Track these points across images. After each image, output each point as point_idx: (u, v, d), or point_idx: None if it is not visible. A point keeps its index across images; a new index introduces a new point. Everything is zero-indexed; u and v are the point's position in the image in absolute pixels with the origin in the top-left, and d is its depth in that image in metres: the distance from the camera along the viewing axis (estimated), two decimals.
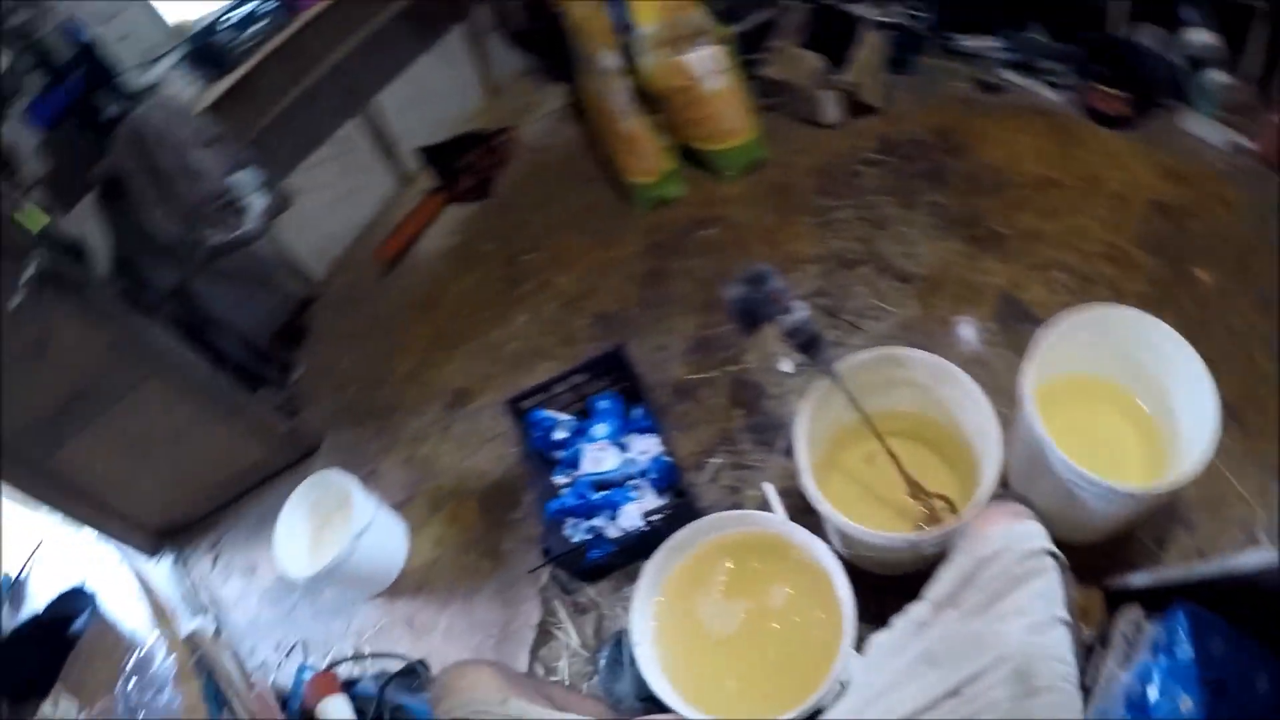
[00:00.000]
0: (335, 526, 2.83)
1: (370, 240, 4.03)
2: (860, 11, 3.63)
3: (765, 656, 1.85)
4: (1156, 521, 2.16)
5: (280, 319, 3.75)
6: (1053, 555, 1.36)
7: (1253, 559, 1.44)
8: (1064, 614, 1.29)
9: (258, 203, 3.04)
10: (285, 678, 2.57)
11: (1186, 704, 1.47)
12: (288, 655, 2.76)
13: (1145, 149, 3.12)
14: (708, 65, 3.22)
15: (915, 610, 1.45)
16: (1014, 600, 1.30)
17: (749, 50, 3.61)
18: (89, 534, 2.66)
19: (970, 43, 3.65)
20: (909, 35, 3.67)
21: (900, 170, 3.32)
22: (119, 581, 2.05)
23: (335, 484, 2.71)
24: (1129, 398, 2.15)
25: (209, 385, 2.95)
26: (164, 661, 1.65)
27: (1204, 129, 3.11)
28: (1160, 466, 2.00)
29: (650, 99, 3.36)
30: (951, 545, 1.55)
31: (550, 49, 4.13)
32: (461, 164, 3.96)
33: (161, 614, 1.85)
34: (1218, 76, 3.05)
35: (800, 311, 1.97)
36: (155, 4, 3.18)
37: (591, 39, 3.15)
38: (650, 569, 1.94)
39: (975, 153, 3.30)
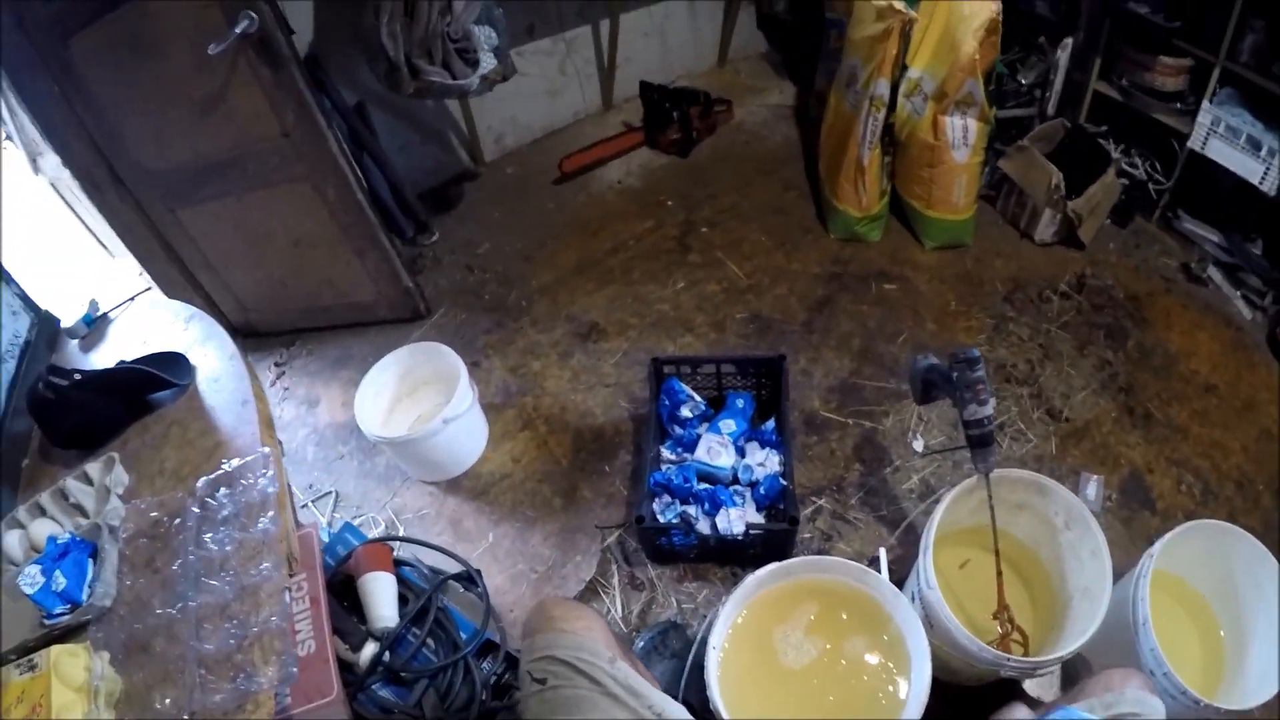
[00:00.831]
0: (420, 399, 2.77)
1: (551, 145, 3.97)
2: (1111, 149, 3.57)
3: (824, 700, 1.78)
4: None
5: (436, 180, 3.68)
6: None
7: None
8: None
9: (487, 62, 2.97)
10: (304, 518, 2.51)
11: None
12: (316, 500, 2.70)
13: None
14: (963, 135, 3.13)
15: None
16: None
17: (998, 138, 3.54)
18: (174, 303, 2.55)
19: (1192, 227, 3.55)
20: (1140, 194, 3.60)
21: (1085, 314, 3.25)
22: (219, 368, 1.91)
23: (440, 360, 2.63)
24: (1208, 608, 2.17)
25: (355, 209, 2.86)
26: (264, 479, 1.52)
27: None
28: (1216, 680, 2.03)
29: (892, 140, 3.28)
30: (1076, 687, 1.55)
31: (795, 46, 4.05)
32: (674, 115, 3.86)
33: (269, 423, 1.73)
34: None
35: (989, 408, 1.94)
36: None
37: (869, 61, 3.05)
38: (751, 582, 1.87)
39: (1157, 330, 3.22)
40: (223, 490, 1.53)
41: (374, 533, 2.51)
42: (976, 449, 1.96)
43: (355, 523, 2.48)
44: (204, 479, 1.56)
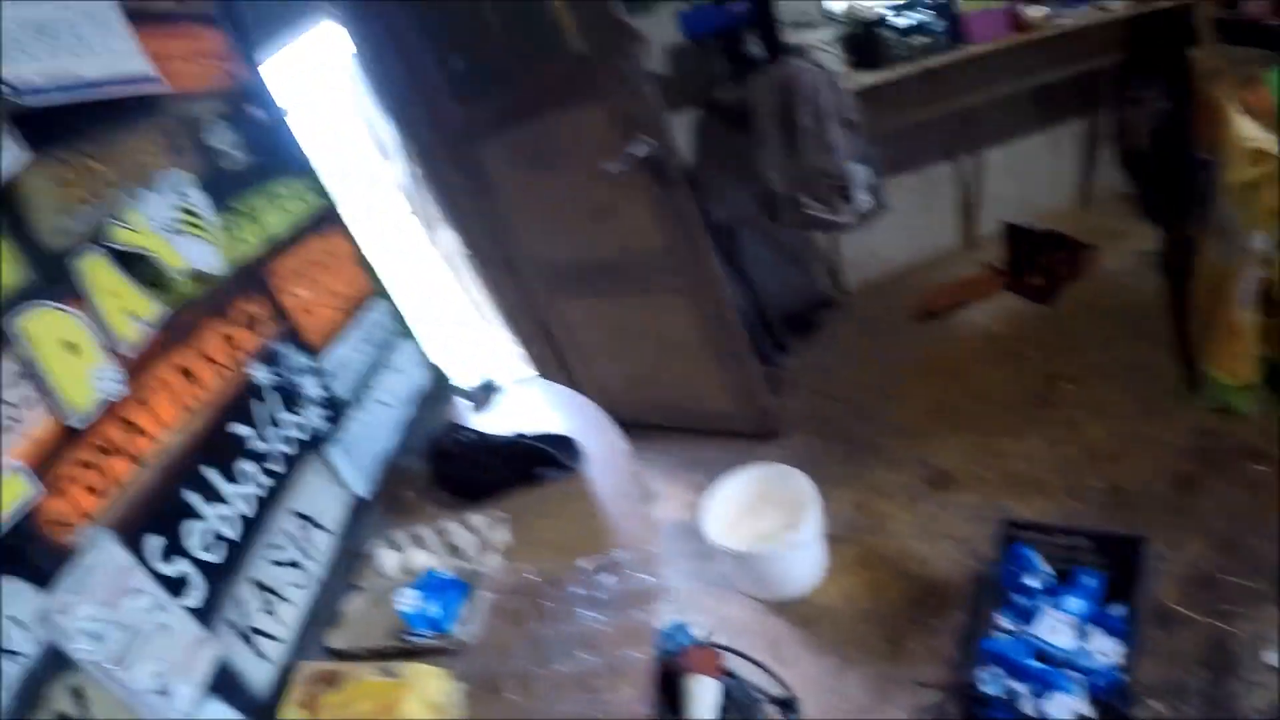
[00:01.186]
0: (763, 517, 2.91)
1: (910, 281, 4.06)
2: None
3: None
4: None
5: (799, 305, 3.84)
6: None
7: None
8: None
9: (862, 199, 3.09)
10: None
11: None
12: None
13: None
14: None
15: None
16: None
17: None
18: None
19: None
20: None
21: None
22: (609, 458, 2.12)
23: (793, 483, 2.79)
24: None
25: (725, 324, 3.07)
26: (648, 575, 1.68)
27: None
28: None
29: (1269, 300, 3.01)
30: None
31: (1160, 186, 3.89)
32: (1037, 258, 3.85)
33: (654, 525, 1.90)
34: None
35: None
36: None
37: (1245, 209, 2.84)
38: None
39: None
40: (607, 574, 1.70)
41: (700, 636, 2.64)
42: None
43: (687, 624, 2.62)
44: (592, 559, 1.75)
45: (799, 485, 2.73)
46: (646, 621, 1.59)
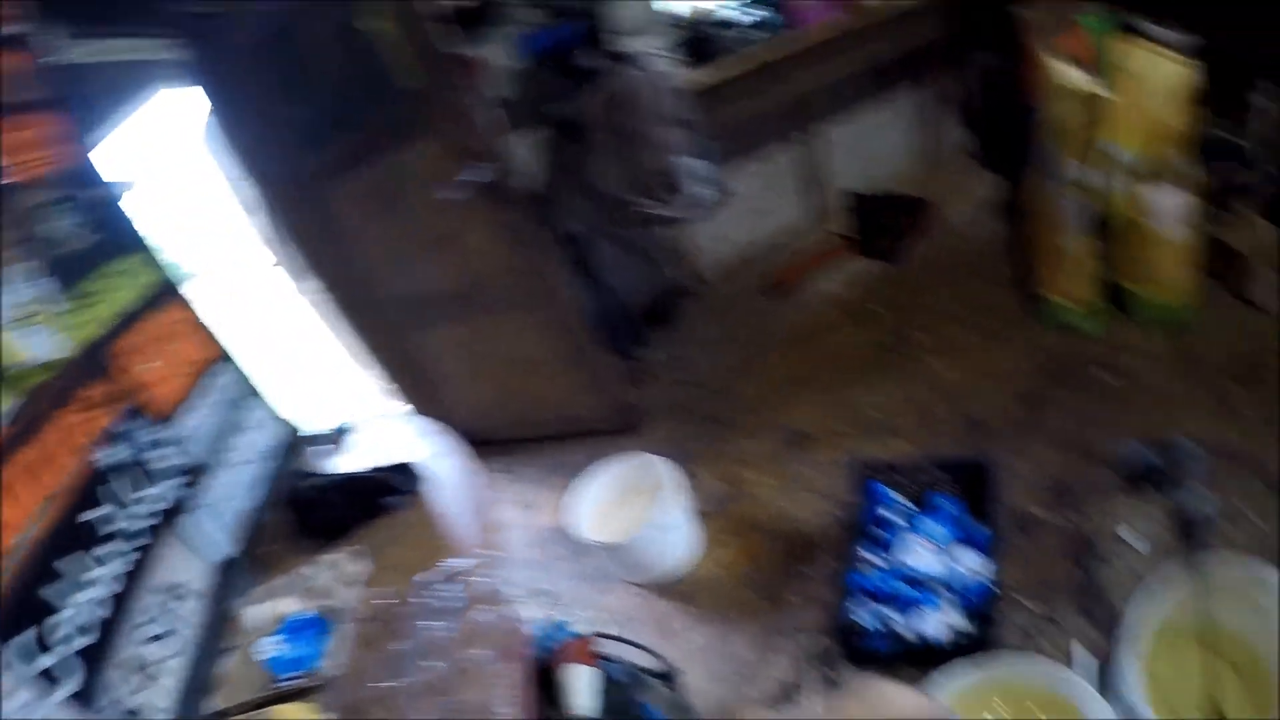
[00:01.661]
0: (633, 506, 2.92)
1: (763, 259, 4.15)
2: None
3: None
4: None
5: (655, 299, 3.90)
6: None
7: None
8: None
9: (701, 192, 3.17)
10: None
11: None
12: (529, 597, 2.88)
13: None
14: (1174, 210, 3.02)
15: None
16: None
17: (1216, 204, 3.33)
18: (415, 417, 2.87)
19: None
20: None
21: None
22: (448, 474, 2.16)
23: (654, 470, 2.81)
24: None
25: (574, 333, 3.13)
26: (487, 577, 1.73)
27: None
28: None
29: (1099, 223, 3.19)
30: None
31: (999, 138, 4.03)
32: (880, 221, 3.97)
33: (493, 528, 1.95)
34: None
35: (1210, 506, 1.91)
36: None
37: (1066, 144, 3.03)
38: (946, 684, 1.97)
39: None
40: (448, 584, 1.74)
41: (583, 630, 2.66)
42: (1191, 544, 1.92)
43: (566, 620, 2.63)
44: (431, 573, 1.78)
45: (660, 470, 2.77)
46: (489, 621, 1.63)
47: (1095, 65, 3.01)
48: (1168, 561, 2.30)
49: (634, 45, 3.28)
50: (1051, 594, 2.49)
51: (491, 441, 3.56)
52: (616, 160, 3.11)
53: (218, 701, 1.70)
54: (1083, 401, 3.07)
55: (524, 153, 3.38)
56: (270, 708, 1.53)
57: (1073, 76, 2.92)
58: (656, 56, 3.29)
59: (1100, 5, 3.09)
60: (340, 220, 3.14)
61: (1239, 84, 3.27)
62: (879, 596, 2.40)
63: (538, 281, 3.02)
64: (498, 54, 3.28)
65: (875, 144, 4.35)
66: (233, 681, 1.75)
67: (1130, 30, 3.04)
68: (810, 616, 2.55)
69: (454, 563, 1.80)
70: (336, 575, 1.94)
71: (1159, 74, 2.87)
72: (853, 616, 2.36)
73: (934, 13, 3.86)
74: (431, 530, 2.01)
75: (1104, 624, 2.35)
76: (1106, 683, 2.06)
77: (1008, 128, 3.69)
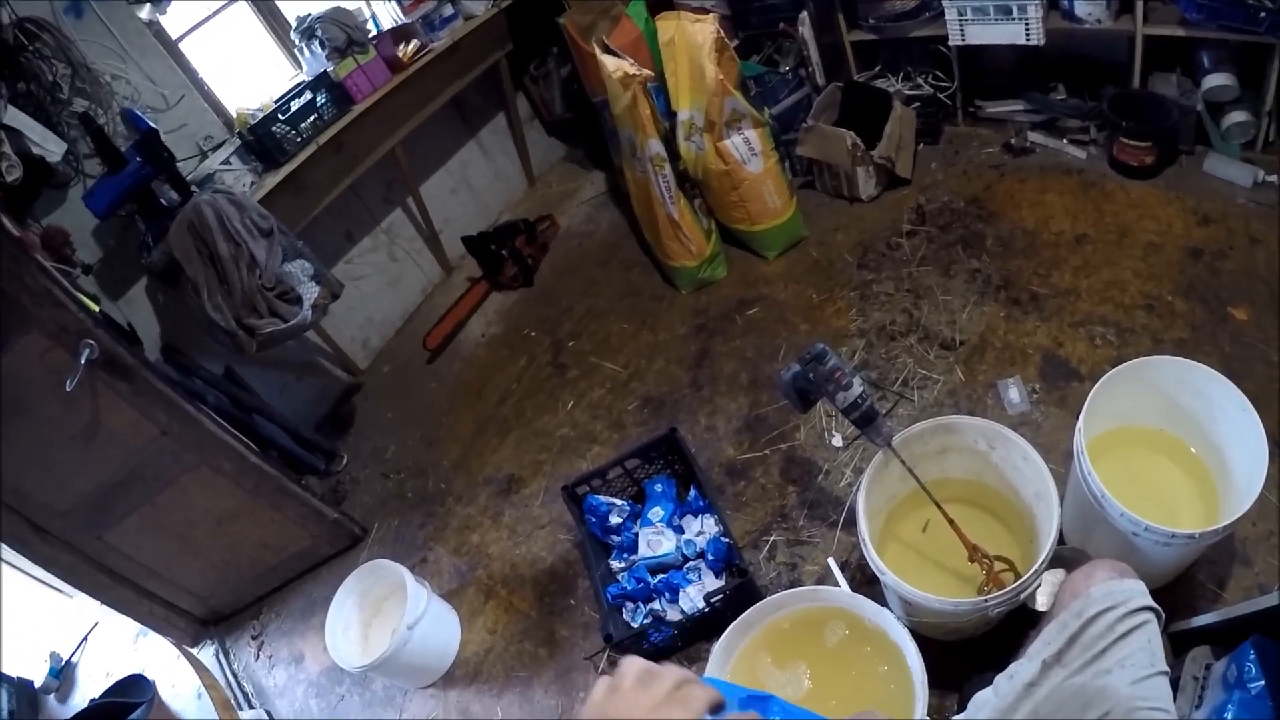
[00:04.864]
0: (387, 615, 2.82)
1: (414, 329, 4.08)
2: (888, 86, 3.73)
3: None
4: (1215, 561, 2.16)
5: (325, 407, 3.78)
6: (1153, 610, 1.38)
7: None
8: (1163, 665, 1.32)
9: (309, 293, 3.09)
10: None
11: None
12: None
13: (1174, 196, 3.14)
14: (747, 149, 3.27)
15: (1021, 670, 1.42)
16: (1117, 655, 1.32)
17: (784, 131, 3.68)
18: (134, 622, 2.61)
19: (996, 108, 3.70)
20: (937, 106, 3.75)
21: (937, 239, 3.35)
22: (174, 671, 2.01)
23: (386, 573, 2.71)
24: (1177, 443, 2.17)
25: (256, 472, 2.96)
26: None
27: (1229, 170, 3.12)
28: (1213, 506, 2.02)
29: (691, 183, 3.43)
30: (1054, 603, 1.54)
31: (587, 137, 4.21)
32: (504, 252, 4.01)
33: (227, 707, 1.82)
34: (1238, 117, 3.07)
35: (857, 387, 2.02)
36: (215, 93, 3.33)
37: (634, 127, 3.21)
38: (718, 650, 1.94)
39: (1008, 216, 3.33)
40: None
41: None
42: (865, 428, 2.04)
43: None
44: None
45: (391, 571, 2.68)
46: None
47: (644, 46, 3.28)
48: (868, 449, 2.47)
49: (206, 165, 3.15)
50: (790, 519, 2.63)
51: (237, 611, 3.35)
52: (219, 289, 2.97)
53: None
54: (743, 343, 3.28)
55: (138, 305, 3.17)
56: None
57: (616, 64, 3.10)
58: (227, 171, 3.17)
59: None
60: None
61: (770, 19, 3.63)
62: (637, 596, 2.45)
63: (195, 438, 2.82)
64: (79, 214, 3.04)
65: (477, 179, 4.39)
66: None
67: (668, 6, 3.35)
68: (590, 641, 2.57)
69: None
70: None
71: (694, 36, 3.10)
72: (621, 624, 2.40)
73: (486, 37, 3.92)
74: None
75: (849, 524, 2.51)
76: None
77: (589, 125, 3.84)
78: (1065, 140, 3.51)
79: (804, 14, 3.58)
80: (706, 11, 3.29)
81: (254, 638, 3.20)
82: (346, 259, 3.81)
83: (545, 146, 4.73)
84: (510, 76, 4.26)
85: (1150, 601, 1.39)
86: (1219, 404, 1.99)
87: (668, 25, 3.23)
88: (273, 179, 3.24)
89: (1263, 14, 2.76)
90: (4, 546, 3.00)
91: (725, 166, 3.29)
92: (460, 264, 4.31)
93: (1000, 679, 1.45)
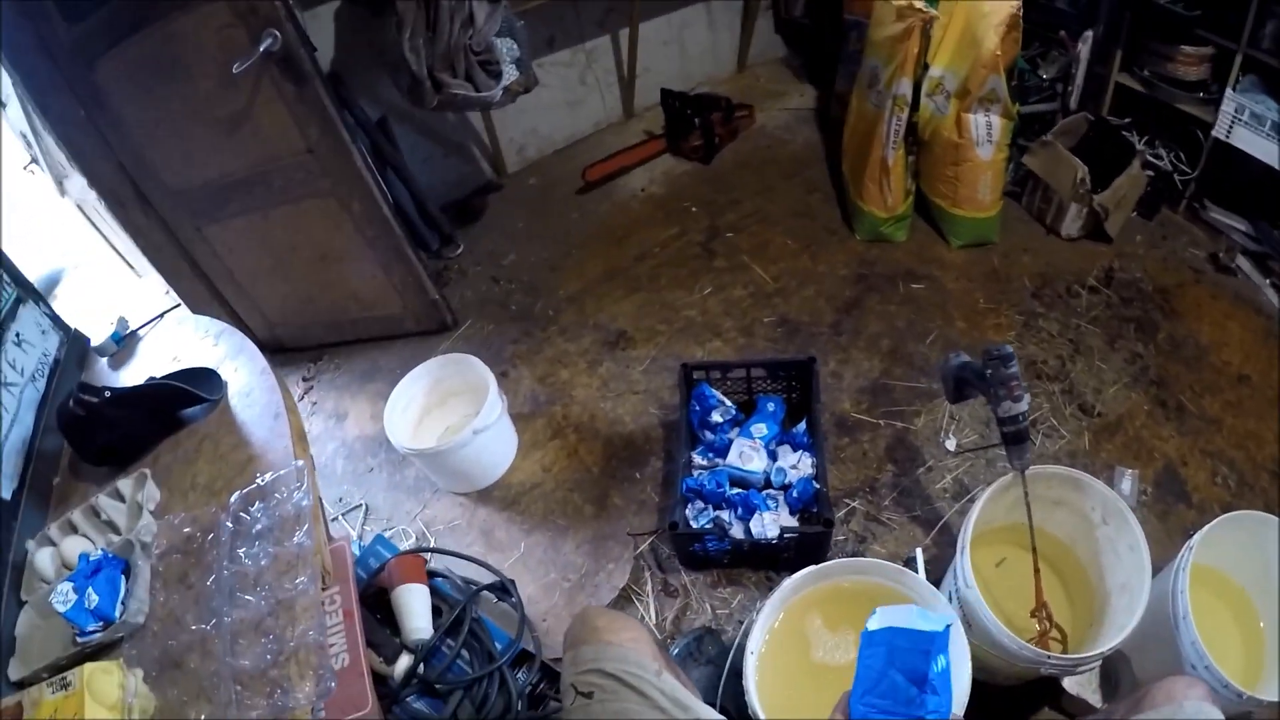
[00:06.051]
0: (450, 410, 2.77)
1: (576, 156, 3.97)
2: (1135, 141, 3.55)
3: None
4: None
5: (461, 193, 3.69)
6: None
7: None
8: None
9: (509, 73, 2.98)
10: (335, 531, 2.51)
11: None
12: (346, 514, 2.70)
13: None
14: (986, 133, 3.13)
15: None
16: None
17: (1021, 134, 3.52)
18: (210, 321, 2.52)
19: (1219, 216, 3.54)
20: (1168, 185, 3.57)
21: (1115, 308, 3.24)
22: (251, 381, 1.91)
23: (469, 371, 2.64)
24: (1248, 601, 2.16)
25: (381, 223, 2.87)
26: (299, 493, 1.52)
27: None
28: (1257, 674, 2.00)
29: (915, 139, 3.28)
30: (1134, 699, 1.50)
31: (814, 48, 4.03)
32: (695, 121, 3.87)
33: (301, 436, 1.72)
34: None
35: (1025, 404, 1.94)
36: None
37: (890, 61, 3.05)
38: (789, 586, 1.89)
39: (1187, 322, 3.22)
40: (257, 505, 1.53)
41: (405, 545, 2.51)
42: (1012, 446, 1.96)
43: (387, 535, 2.46)
44: (237, 494, 1.56)
45: (476, 371, 2.61)
46: (303, 544, 1.43)
47: None
48: (986, 462, 2.40)
49: None
50: (878, 495, 2.57)
51: (298, 348, 3.33)
52: (424, 34, 2.86)
53: (17, 668, 1.42)
54: (897, 310, 3.16)
55: (321, 23, 3.06)
56: (73, 670, 1.27)
57: None
58: None
59: None
60: (108, 102, 2.70)
61: (1052, 22, 3.42)
62: (709, 498, 2.38)
63: (338, 167, 2.72)
64: None
65: (692, 42, 4.24)
66: (33, 641, 1.47)
67: None
68: (640, 520, 2.52)
69: (260, 480, 1.58)
70: (129, 505, 1.68)
71: (986, 3, 2.92)
72: (684, 519, 2.32)
73: None
74: (232, 444, 1.76)
75: (929, 524, 2.44)
76: (940, 582, 2.12)
77: (829, 38, 3.67)
78: (1269, 281, 3.35)
79: (1089, 33, 3.39)
80: None
81: (305, 379, 3.16)
82: (539, 63, 3.65)
83: (768, 40, 4.55)
84: None
85: None
86: None
87: None
88: None
89: None
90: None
91: (957, 139, 3.15)
92: (643, 115, 4.18)
93: None
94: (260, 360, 1.95)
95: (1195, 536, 1.92)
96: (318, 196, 2.81)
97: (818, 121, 4.09)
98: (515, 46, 3.01)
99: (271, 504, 1.52)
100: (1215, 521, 1.95)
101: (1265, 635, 2.09)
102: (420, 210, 3.37)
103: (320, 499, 1.86)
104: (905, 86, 3.04)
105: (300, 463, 1.59)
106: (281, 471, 1.58)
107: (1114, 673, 2.04)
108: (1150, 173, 3.51)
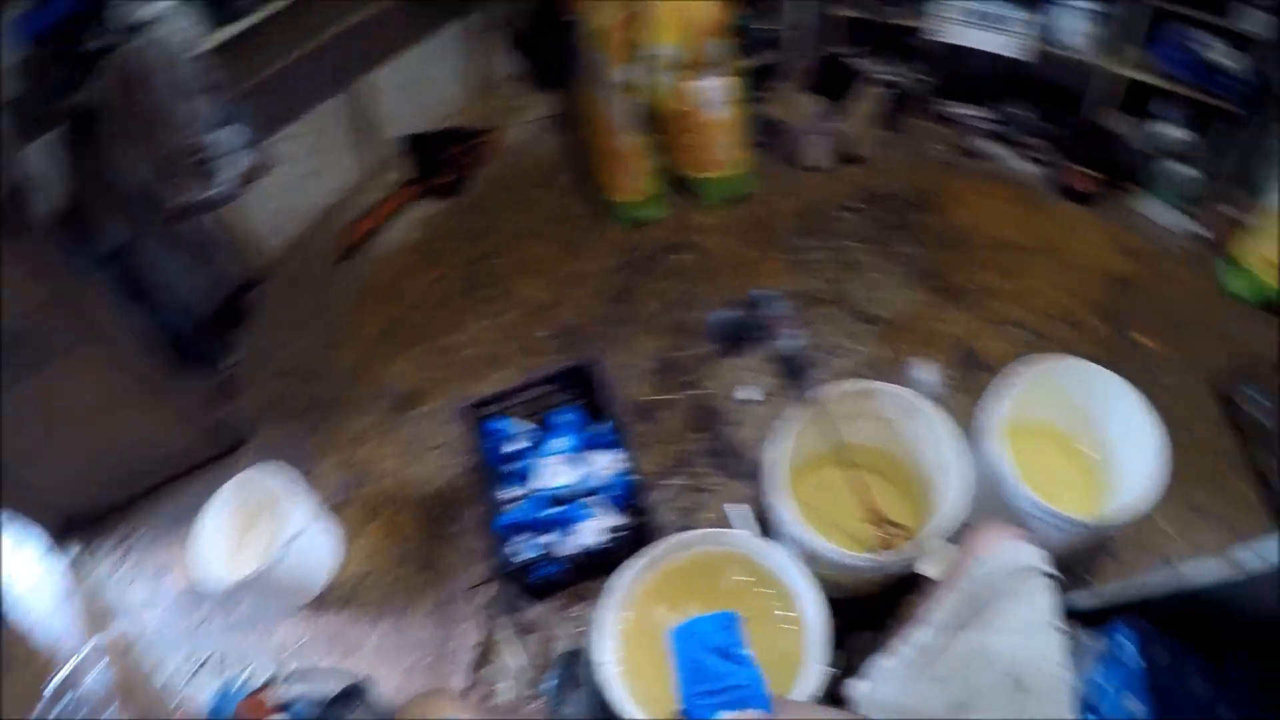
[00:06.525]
0: (262, 529, 2.65)
1: (330, 225, 3.85)
2: (864, 66, 3.76)
3: None
4: (1088, 553, 2.30)
5: (223, 296, 3.54)
6: (1047, 575, 1.41)
7: (1204, 571, 1.53)
8: (1060, 624, 1.35)
9: (236, 164, 2.88)
10: (195, 693, 2.39)
11: (1136, 707, 1.59)
12: (199, 670, 2.52)
13: (1106, 226, 3.34)
14: (716, 95, 3.21)
15: (919, 635, 1.44)
16: (1012, 612, 1.35)
17: (754, 87, 3.63)
18: None
19: (959, 110, 3.77)
20: (903, 95, 3.80)
21: (877, 220, 3.41)
22: (31, 577, 1.81)
23: (267, 483, 2.53)
24: (1069, 441, 2.37)
25: (141, 359, 2.74)
26: (100, 673, 1.45)
27: (1163, 215, 3.35)
28: (1096, 503, 2.19)
29: (651, 119, 3.33)
30: (945, 568, 1.59)
31: (549, 55, 4.04)
32: (440, 158, 3.85)
33: (97, 617, 1.64)
34: (1183, 169, 3.28)
35: (795, 339, 2.04)
36: None
37: (605, 50, 3.10)
38: (619, 585, 1.92)
39: (949, 212, 3.43)
40: (67, 696, 1.45)
41: (260, 680, 2.39)
42: (795, 378, 2.07)
43: (242, 676, 2.37)
44: (45, 694, 1.48)
45: (274, 479, 2.52)
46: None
47: None
48: (784, 402, 2.46)
49: (146, 12, 2.90)
50: (694, 465, 2.63)
51: (104, 515, 3.07)
52: (140, 148, 2.75)
53: None
54: (668, 285, 3.23)
55: (41, 162, 2.91)
56: None
57: None
58: (170, 20, 2.92)
59: None
60: None
61: None
62: (532, 527, 2.38)
63: (82, 315, 2.60)
64: None
65: (425, 81, 4.16)
66: None
67: None
68: (476, 571, 2.49)
69: (63, 672, 1.49)
70: None
71: None
72: (513, 555, 2.32)
73: None
74: (28, 647, 1.66)
75: (750, 476, 2.51)
76: (767, 528, 2.21)
77: (555, 42, 3.68)
78: (1015, 153, 3.64)
79: None
80: None
81: (121, 543, 2.99)
82: (275, 137, 3.54)
83: (506, 58, 4.51)
84: None
85: (1046, 566, 1.42)
86: (1121, 412, 2.18)
87: None
88: (220, 35, 3.00)
89: (1223, 79, 3.03)
90: None
91: (689, 108, 3.23)
92: (392, 163, 4.07)
93: (903, 648, 1.46)
94: (37, 546, 1.85)
95: (990, 400, 2.11)
96: (70, 354, 2.67)
97: (562, 126, 4.10)
98: (241, 131, 2.91)
99: (81, 690, 1.45)
100: (1004, 378, 2.16)
101: (1094, 466, 2.30)
102: (187, 329, 3.24)
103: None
104: (625, 72, 3.11)
105: (95, 641, 1.52)
106: (79, 656, 1.50)
107: None
108: (890, 90, 3.73)
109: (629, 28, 3.04)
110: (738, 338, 2.17)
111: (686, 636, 1.53)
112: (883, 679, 1.47)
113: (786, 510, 1.95)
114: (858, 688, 1.49)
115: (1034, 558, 1.43)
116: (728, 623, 1.53)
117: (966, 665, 1.33)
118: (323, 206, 3.92)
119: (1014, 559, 1.42)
